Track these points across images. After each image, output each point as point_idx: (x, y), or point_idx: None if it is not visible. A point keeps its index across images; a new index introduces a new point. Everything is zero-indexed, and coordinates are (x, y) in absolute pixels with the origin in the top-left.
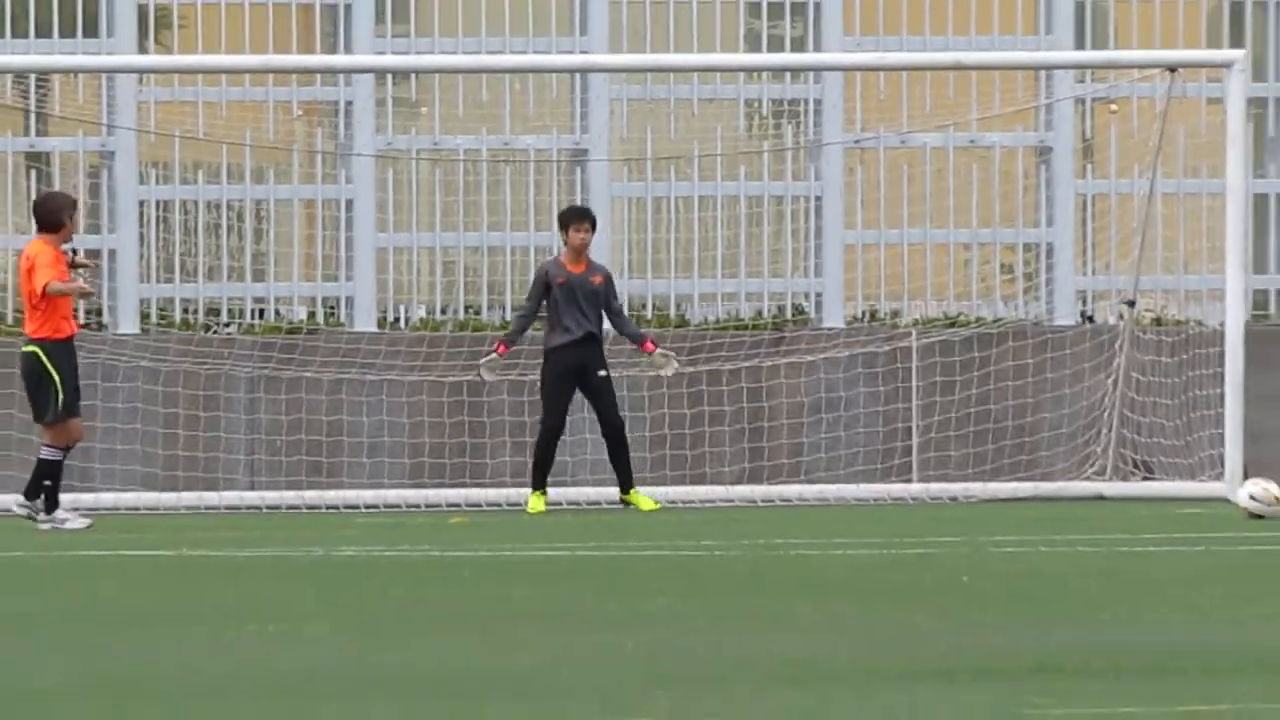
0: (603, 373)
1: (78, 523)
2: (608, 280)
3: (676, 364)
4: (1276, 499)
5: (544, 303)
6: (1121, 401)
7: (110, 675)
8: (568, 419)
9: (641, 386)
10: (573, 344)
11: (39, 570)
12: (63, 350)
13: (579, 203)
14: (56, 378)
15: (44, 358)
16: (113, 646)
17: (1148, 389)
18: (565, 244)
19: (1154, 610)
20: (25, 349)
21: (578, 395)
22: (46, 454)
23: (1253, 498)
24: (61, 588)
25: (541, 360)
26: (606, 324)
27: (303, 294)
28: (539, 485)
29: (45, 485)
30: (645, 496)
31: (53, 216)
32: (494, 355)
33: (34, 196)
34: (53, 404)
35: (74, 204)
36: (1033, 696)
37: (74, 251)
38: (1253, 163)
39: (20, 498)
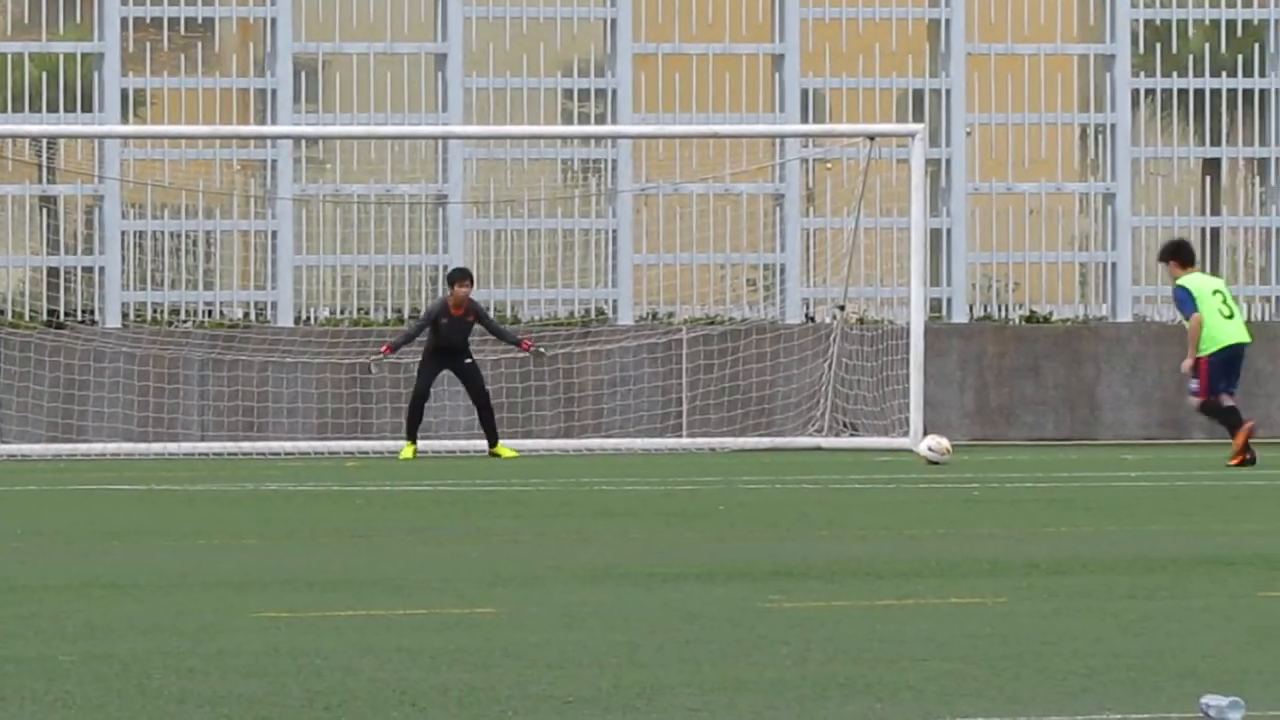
0: (469, 360)
1: None
2: (477, 313)
3: (545, 351)
4: (947, 449)
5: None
6: (835, 379)
7: (98, 575)
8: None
9: (485, 367)
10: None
11: (46, 499)
12: None
13: (441, 236)
14: None
15: None
16: (100, 554)
17: (854, 370)
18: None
19: (858, 530)
20: None
21: (446, 373)
22: None
23: (930, 449)
24: (62, 512)
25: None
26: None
27: (240, 299)
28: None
29: None
30: (508, 448)
31: None
32: (380, 354)
33: None
34: None
35: None
36: (770, 594)
37: None
38: (929, 206)
39: None
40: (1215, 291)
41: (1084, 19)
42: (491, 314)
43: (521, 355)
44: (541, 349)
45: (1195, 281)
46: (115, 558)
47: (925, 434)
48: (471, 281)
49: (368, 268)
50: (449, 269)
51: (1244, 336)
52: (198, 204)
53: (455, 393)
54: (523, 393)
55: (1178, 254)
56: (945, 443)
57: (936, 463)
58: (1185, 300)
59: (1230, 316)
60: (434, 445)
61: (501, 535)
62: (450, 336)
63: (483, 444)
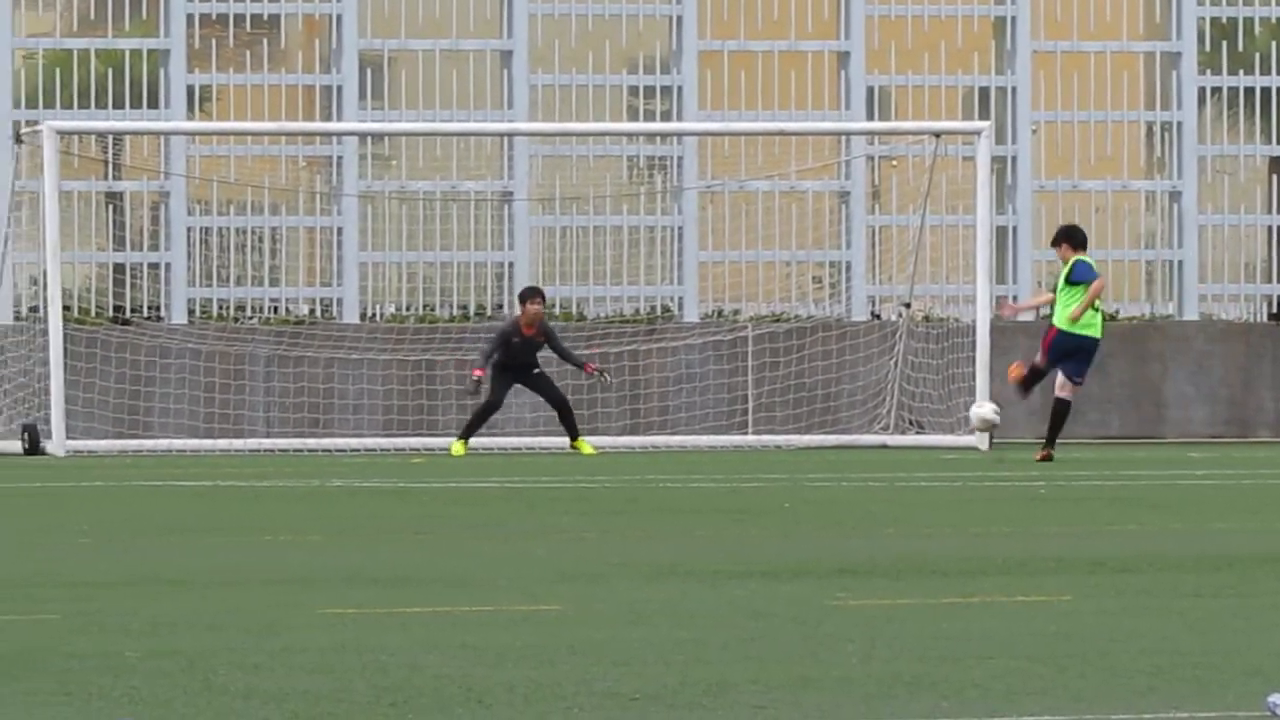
0: (536, 370)
1: None
2: (547, 334)
3: (609, 378)
4: (989, 418)
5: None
6: (900, 377)
7: (163, 571)
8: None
9: (551, 364)
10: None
11: (111, 495)
12: None
13: (506, 233)
14: None
15: None
16: (165, 550)
17: (919, 368)
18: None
19: (924, 527)
20: None
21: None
22: None
23: (996, 412)
24: (127, 508)
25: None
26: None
27: (306, 295)
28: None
29: None
30: (588, 445)
31: None
32: (477, 376)
33: None
34: None
35: None
36: (836, 591)
37: None
38: (995, 204)
39: None
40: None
41: (1150, 16)
42: (558, 309)
43: (587, 353)
44: (606, 374)
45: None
46: (180, 554)
47: (991, 433)
48: (544, 299)
49: (433, 264)
50: (521, 288)
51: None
52: (263, 200)
53: (519, 389)
54: (588, 389)
55: (1070, 237)
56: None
57: (991, 428)
58: (1089, 269)
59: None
60: (499, 442)
61: (567, 532)
62: (520, 356)
63: (548, 441)
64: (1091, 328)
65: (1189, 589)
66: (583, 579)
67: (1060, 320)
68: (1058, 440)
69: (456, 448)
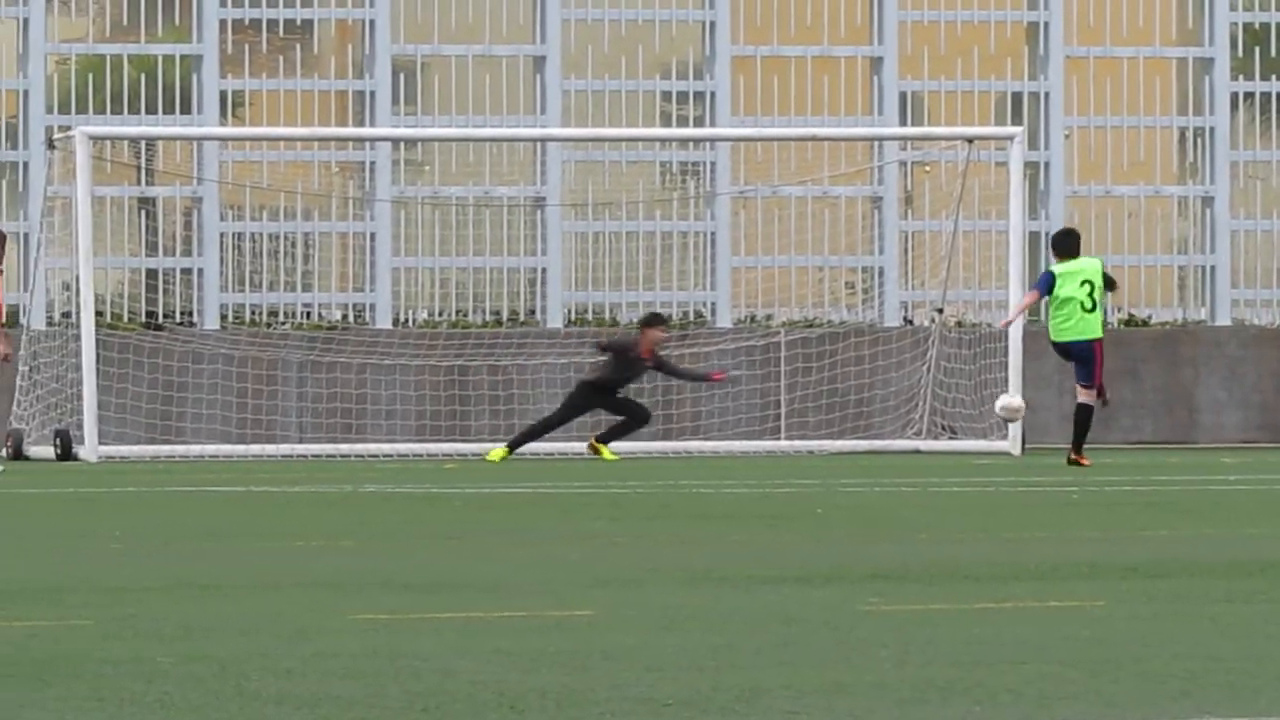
0: (619, 395)
1: None
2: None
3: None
4: (1017, 409)
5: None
6: (933, 382)
7: (196, 576)
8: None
9: (584, 369)
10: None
11: (144, 500)
12: None
13: (539, 238)
14: None
15: None
16: (198, 555)
17: (952, 373)
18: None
19: (957, 532)
20: None
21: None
22: None
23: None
24: (160, 513)
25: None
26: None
27: (338, 301)
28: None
29: None
30: (611, 453)
31: None
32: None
33: None
34: None
35: (4, 238)
36: (868, 597)
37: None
38: (1028, 209)
39: None
40: (1084, 281)
41: (1182, 22)
42: (591, 314)
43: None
44: (730, 373)
45: (1065, 267)
46: (213, 559)
47: (1025, 440)
48: (667, 327)
49: (466, 270)
50: (644, 313)
51: (1068, 336)
52: (296, 206)
53: (554, 395)
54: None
55: (1052, 244)
56: (1016, 401)
57: (1017, 416)
58: (1043, 277)
59: (1090, 310)
60: (531, 448)
61: (599, 538)
62: (624, 375)
63: (580, 446)
64: (1066, 332)
65: (1222, 594)
66: (615, 584)
67: (1052, 333)
68: (1084, 445)
69: (498, 453)
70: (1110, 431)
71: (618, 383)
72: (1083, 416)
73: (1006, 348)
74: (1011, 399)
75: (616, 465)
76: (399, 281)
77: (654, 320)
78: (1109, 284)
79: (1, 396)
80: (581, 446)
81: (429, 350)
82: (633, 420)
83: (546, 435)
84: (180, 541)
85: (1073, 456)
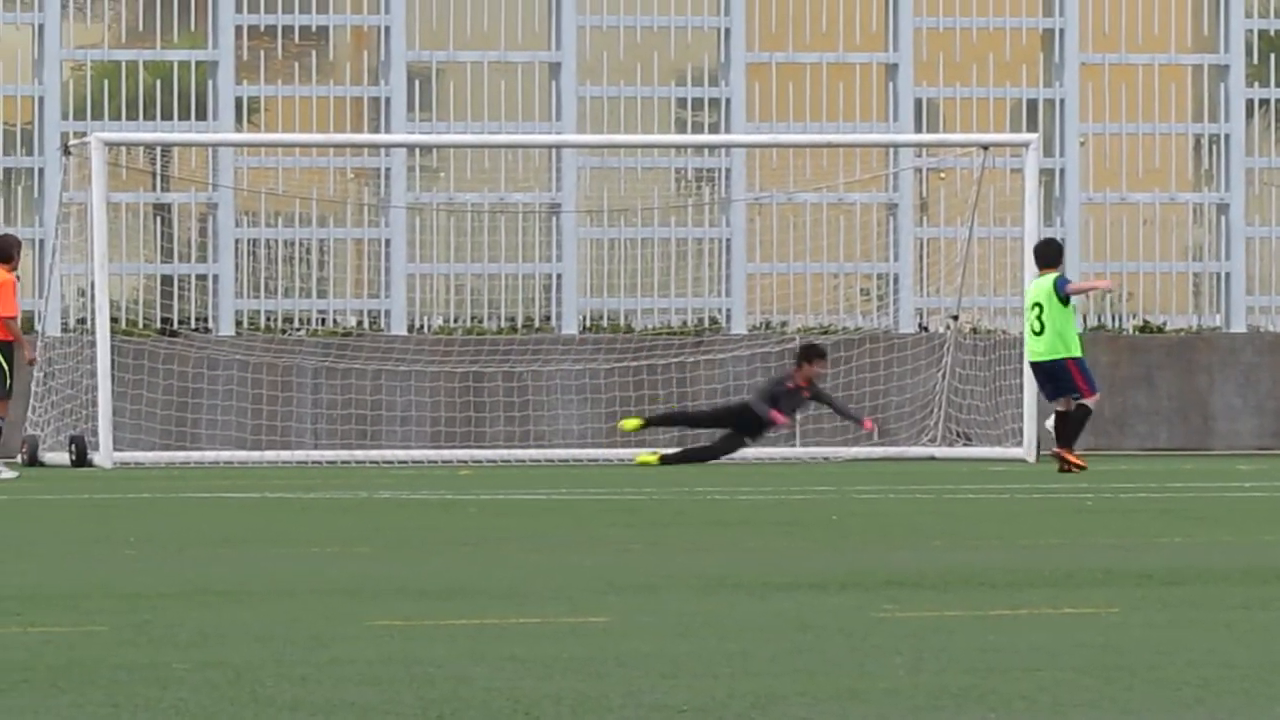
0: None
1: (7, 474)
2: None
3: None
4: None
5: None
6: (948, 389)
7: (211, 582)
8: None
9: (599, 375)
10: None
11: (159, 506)
12: (9, 349)
13: (554, 245)
14: (7, 368)
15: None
16: (213, 561)
17: (967, 380)
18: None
19: (972, 539)
20: None
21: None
22: None
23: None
24: (174, 519)
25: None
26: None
27: (353, 307)
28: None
29: None
30: (648, 456)
31: (6, 253)
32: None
33: None
34: (1, 385)
35: (19, 243)
36: (883, 603)
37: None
38: (1043, 216)
39: None
40: (1034, 304)
41: (1197, 29)
42: (605, 320)
43: (635, 365)
44: (876, 426)
45: (1030, 286)
46: (227, 565)
47: (1040, 446)
48: (827, 363)
49: (480, 276)
50: (803, 344)
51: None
52: (311, 212)
53: (568, 401)
54: (636, 402)
55: (1035, 255)
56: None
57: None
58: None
59: (1038, 333)
60: (547, 454)
61: (615, 544)
62: (788, 410)
63: (595, 453)
64: (1036, 353)
65: (1237, 601)
66: (630, 591)
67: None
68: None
69: (632, 423)
70: (1125, 438)
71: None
72: (1079, 415)
73: (1022, 354)
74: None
75: (634, 472)
76: (414, 288)
77: (812, 354)
78: (1064, 299)
79: (18, 402)
80: (595, 453)
81: (444, 356)
82: (713, 452)
83: (686, 426)
84: (195, 547)
85: (1062, 454)
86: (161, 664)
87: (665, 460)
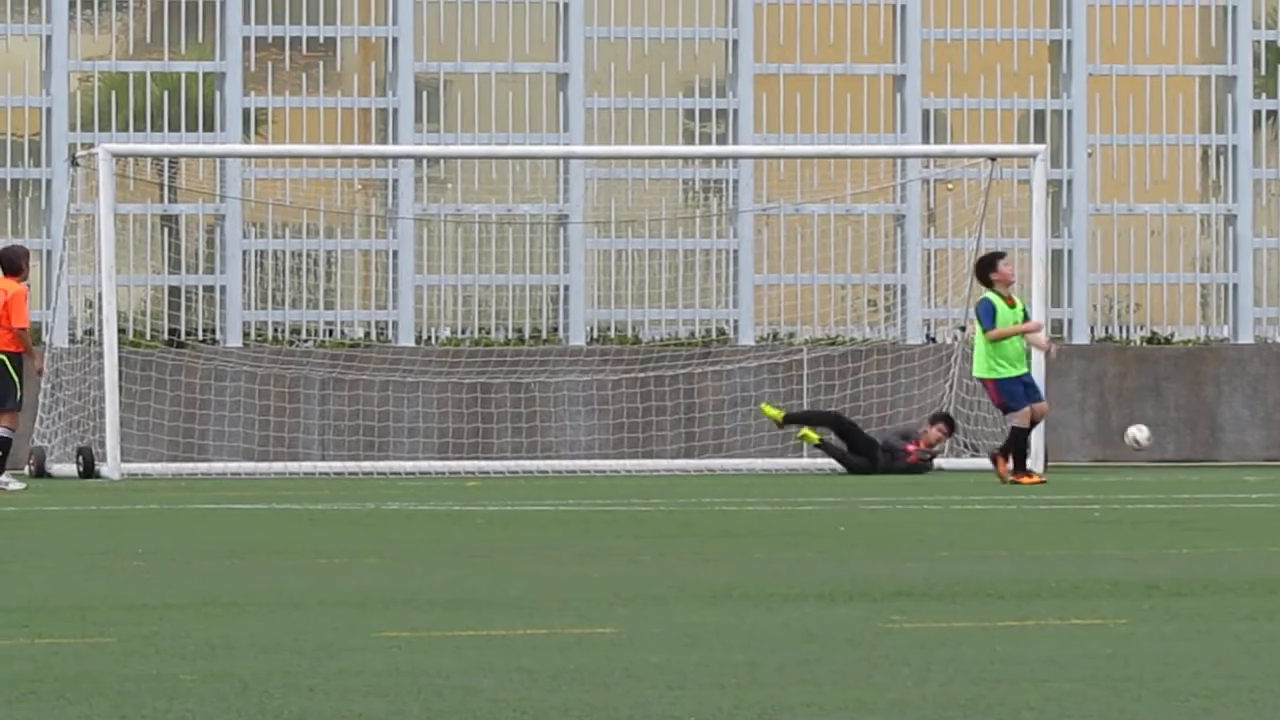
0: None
1: (15, 485)
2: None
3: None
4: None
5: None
6: (956, 400)
7: (219, 594)
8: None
9: (607, 386)
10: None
11: (166, 518)
12: (19, 360)
13: (562, 256)
14: (16, 379)
15: (8, 365)
16: (221, 573)
17: (975, 390)
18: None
19: (979, 550)
20: None
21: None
22: (3, 433)
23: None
24: (182, 531)
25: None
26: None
27: (361, 318)
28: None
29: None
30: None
31: (15, 264)
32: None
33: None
34: (11, 397)
35: (28, 254)
36: (890, 614)
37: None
38: (1051, 227)
39: None
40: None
41: (1205, 40)
42: (613, 331)
43: (642, 376)
44: (927, 455)
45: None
46: (235, 576)
47: (1047, 457)
48: (953, 431)
49: (488, 287)
50: (935, 410)
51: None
52: (319, 223)
53: (576, 412)
54: (643, 413)
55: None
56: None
57: (1137, 448)
58: (985, 308)
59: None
60: (554, 465)
61: (622, 555)
62: (891, 466)
63: (602, 464)
64: (984, 369)
65: (1245, 612)
66: (638, 602)
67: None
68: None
69: (773, 411)
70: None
71: (879, 470)
72: (1015, 435)
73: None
74: (1139, 430)
75: (641, 483)
76: (421, 299)
77: (943, 421)
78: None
79: (25, 414)
80: (603, 464)
81: (451, 368)
82: (859, 457)
83: (813, 415)
84: (203, 559)
85: (995, 460)
86: (169, 675)
87: (820, 445)
